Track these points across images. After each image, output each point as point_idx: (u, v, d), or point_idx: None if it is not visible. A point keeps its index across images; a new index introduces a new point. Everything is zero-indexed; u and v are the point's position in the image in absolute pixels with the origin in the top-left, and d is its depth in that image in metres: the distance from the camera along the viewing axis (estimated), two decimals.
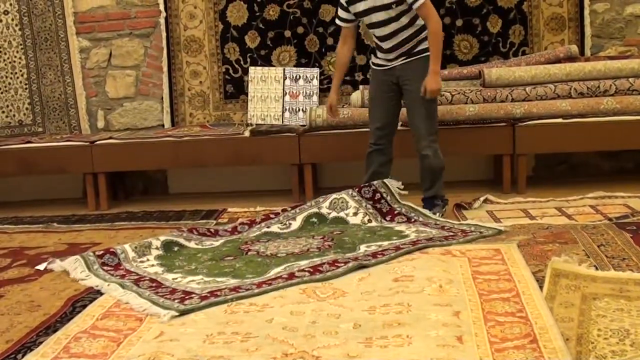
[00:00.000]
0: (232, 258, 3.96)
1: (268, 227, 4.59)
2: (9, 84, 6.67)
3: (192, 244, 4.31)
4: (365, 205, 4.70)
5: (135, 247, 4.14)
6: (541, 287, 3.08)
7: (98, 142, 6.07)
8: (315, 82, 6.16)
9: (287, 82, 6.19)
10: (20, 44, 6.63)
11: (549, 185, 5.74)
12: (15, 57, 6.64)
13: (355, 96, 5.78)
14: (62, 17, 6.56)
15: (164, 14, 6.45)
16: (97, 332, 2.95)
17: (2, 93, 6.68)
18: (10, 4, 6.59)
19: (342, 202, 4.73)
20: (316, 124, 5.75)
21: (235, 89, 6.46)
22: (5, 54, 6.64)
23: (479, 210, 4.97)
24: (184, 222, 5.12)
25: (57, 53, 6.60)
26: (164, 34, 6.48)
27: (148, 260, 4.04)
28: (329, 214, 4.69)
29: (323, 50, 6.30)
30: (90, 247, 4.49)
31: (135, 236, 4.74)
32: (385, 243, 3.99)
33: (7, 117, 6.69)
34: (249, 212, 5.29)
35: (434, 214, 4.74)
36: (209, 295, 3.26)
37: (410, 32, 4.69)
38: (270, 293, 3.26)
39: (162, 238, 4.30)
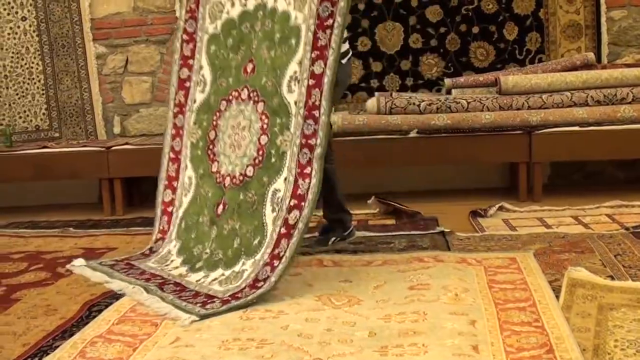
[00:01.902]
0: (221, 205, 3.83)
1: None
2: (26, 89, 6.71)
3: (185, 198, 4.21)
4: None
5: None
6: (557, 297, 3.06)
7: (114, 148, 6.09)
8: None
9: None
10: (38, 50, 6.67)
11: (565, 193, 5.71)
12: (33, 63, 6.68)
13: (371, 103, 5.77)
14: (79, 24, 6.59)
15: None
16: (113, 336, 2.95)
17: (19, 98, 6.72)
18: (28, 11, 6.63)
19: None
20: (332, 130, 5.74)
21: None
22: (22, 59, 6.67)
23: (494, 218, 4.95)
24: None
25: (74, 59, 6.64)
26: None
27: (172, 261, 4.01)
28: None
29: None
30: (106, 252, 4.51)
31: (150, 241, 4.75)
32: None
33: (24, 122, 6.73)
34: None
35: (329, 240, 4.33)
36: (230, 298, 3.26)
37: None
38: (285, 300, 3.25)
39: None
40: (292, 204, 3.42)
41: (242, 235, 3.63)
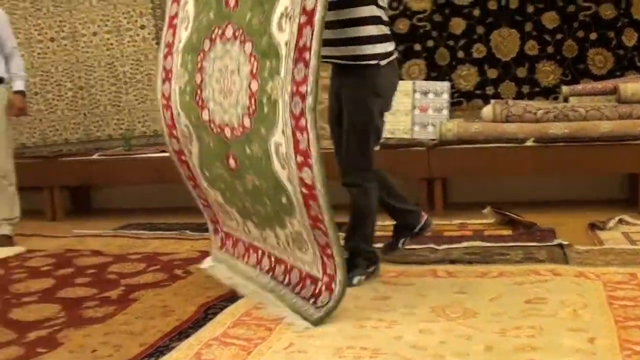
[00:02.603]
0: (231, 158, 3.56)
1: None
2: (146, 94, 6.90)
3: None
4: None
5: None
6: None
7: None
8: (446, 96, 6.10)
9: (417, 95, 6.16)
10: (156, 57, 6.83)
11: None
12: (152, 69, 6.86)
13: (487, 111, 5.70)
14: None
15: None
16: (227, 339, 3.01)
17: (138, 104, 6.92)
18: (147, 19, 6.82)
19: None
20: (446, 138, 5.71)
21: None
22: (141, 66, 6.87)
23: (614, 231, 4.80)
24: None
25: None
26: None
27: (234, 220, 4.03)
28: None
29: (453, 63, 6.25)
30: None
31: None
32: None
33: (142, 127, 6.92)
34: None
35: (351, 279, 3.60)
36: (329, 280, 3.21)
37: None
38: (399, 310, 3.23)
39: None
40: (299, 160, 3.01)
41: (267, 193, 3.38)
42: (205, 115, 3.66)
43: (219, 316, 3.34)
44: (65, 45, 6.97)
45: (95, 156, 6.59)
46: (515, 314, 3.09)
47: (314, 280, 3.28)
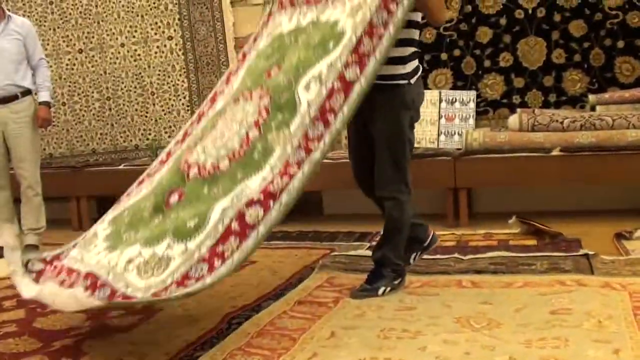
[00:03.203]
0: (177, 198, 3.20)
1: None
2: (172, 105, 6.95)
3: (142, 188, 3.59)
4: None
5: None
6: None
7: None
8: (472, 105, 6.09)
9: (443, 104, 6.16)
10: (183, 68, 6.90)
11: None
12: (178, 80, 6.91)
13: (513, 120, 5.68)
14: (223, 42, 6.78)
15: None
16: (251, 349, 3.01)
17: (165, 114, 6.97)
18: (174, 30, 6.88)
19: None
20: (472, 147, 5.69)
21: None
22: (168, 77, 6.92)
23: None
24: (337, 244, 5.17)
25: (218, 77, 6.82)
26: None
27: (96, 246, 3.31)
28: None
29: (480, 72, 6.23)
30: (247, 265, 4.52)
31: (291, 255, 4.83)
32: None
33: (169, 137, 6.96)
34: None
35: (377, 289, 3.73)
36: (152, 298, 2.75)
37: None
38: (423, 320, 3.22)
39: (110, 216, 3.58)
40: (255, 198, 2.92)
41: (177, 217, 3.09)
42: (180, 149, 3.56)
43: (242, 326, 3.34)
44: (93, 56, 7.05)
45: (121, 166, 6.64)
46: (540, 324, 3.07)
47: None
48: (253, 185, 3.01)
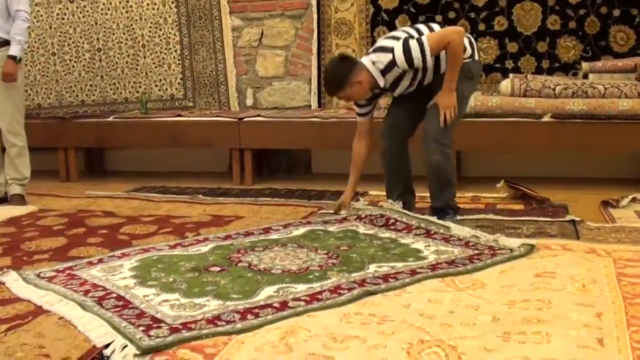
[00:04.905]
0: (218, 269, 3.47)
1: (266, 236, 4.12)
2: (163, 59, 6.90)
3: (175, 251, 3.83)
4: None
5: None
6: None
7: (246, 119, 6.21)
8: None
9: None
10: (175, 21, 6.84)
11: None
12: (170, 33, 6.86)
13: (505, 85, 5.66)
14: None
15: None
16: None
17: (156, 67, 6.92)
18: None
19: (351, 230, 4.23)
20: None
21: None
22: (160, 30, 6.87)
23: (626, 210, 4.77)
24: (325, 202, 5.17)
25: (210, 31, 6.78)
26: (315, 16, 6.55)
27: (120, 272, 3.49)
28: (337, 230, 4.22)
29: (474, 35, 6.16)
30: (234, 220, 4.59)
31: (278, 212, 4.84)
32: (400, 265, 3.47)
33: (159, 90, 6.93)
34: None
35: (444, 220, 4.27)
36: (180, 327, 2.73)
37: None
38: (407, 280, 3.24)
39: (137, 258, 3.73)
40: (301, 297, 3.04)
41: (217, 283, 3.26)
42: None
43: None
44: (85, 6, 6.97)
45: (110, 118, 6.61)
46: (524, 286, 3.08)
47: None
48: (300, 288, 3.16)
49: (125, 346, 2.56)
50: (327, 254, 3.70)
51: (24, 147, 5.41)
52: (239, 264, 3.54)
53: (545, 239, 3.92)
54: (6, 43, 5.21)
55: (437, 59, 4.22)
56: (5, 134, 5.32)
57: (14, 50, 5.21)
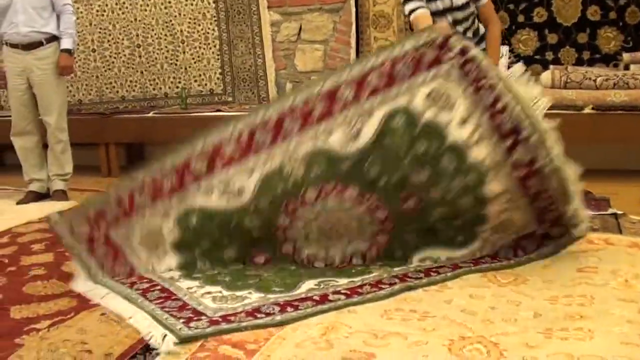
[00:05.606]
0: (262, 257, 3.47)
1: (329, 133, 3.39)
2: (202, 54, 6.94)
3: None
4: (481, 114, 3.39)
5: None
6: None
7: None
8: (504, 61, 6.00)
9: None
10: (214, 16, 6.87)
11: None
12: (209, 28, 6.89)
13: (546, 76, 5.62)
14: None
15: None
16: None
17: (195, 63, 6.97)
18: None
19: (445, 96, 3.38)
20: None
21: None
22: (199, 25, 6.90)
23: None
24: None
25: (248, 26, 6.80)
26: (353, 9, 6.54)
27: (165, 254, 3.46)
28: (422, 114, 3.35)
29: (513, 27, 6.16)
30: None
31: None
32: (443, 256, 3.41)
33: (199, 85, 6.97)
34: None
35: None
36: (220, 319, 2.79)
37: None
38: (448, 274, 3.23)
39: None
40: (342, 290, 3.06)
41: (260, 277, 3.30)
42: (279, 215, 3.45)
43: None
44: (124, 3, 7.03)
45: (150, 114, 6.67)
46: (567, 282, 3.06)
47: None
48: (341, 282, 3.17)
49: (165, 336, 2.64)
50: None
51: (68, 143, 5.51)
52: (283, 250, 3.45)
53: (588, 233, 3.88)
54: (54, 38, 5.32)
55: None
56: (54, 130, 5.41)
57: (67, 43, 5.37)
